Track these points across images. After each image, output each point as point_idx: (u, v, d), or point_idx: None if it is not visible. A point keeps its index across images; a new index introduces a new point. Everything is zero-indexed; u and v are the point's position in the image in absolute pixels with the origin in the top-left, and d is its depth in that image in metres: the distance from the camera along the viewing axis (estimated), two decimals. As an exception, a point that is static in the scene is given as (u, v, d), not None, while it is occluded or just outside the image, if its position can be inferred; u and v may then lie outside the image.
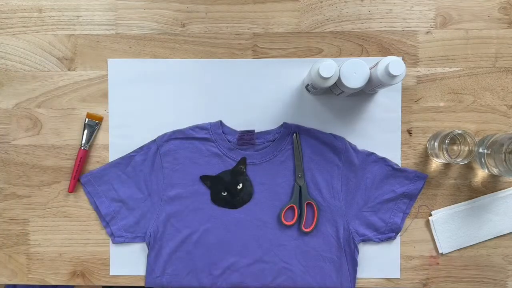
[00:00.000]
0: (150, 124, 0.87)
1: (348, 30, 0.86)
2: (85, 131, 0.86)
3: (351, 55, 0.86)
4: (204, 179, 0.85)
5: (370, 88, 0.79)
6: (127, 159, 0.86)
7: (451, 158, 0.79)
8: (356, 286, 0.85)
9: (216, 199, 0.85)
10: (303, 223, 0.85)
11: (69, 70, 0.87)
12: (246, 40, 0.87)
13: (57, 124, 0.87)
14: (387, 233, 0.85)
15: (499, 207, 0.85)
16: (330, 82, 0.74)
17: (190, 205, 0.85)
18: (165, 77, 0.87)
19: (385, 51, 0.86)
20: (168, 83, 0.87)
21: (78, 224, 0.88)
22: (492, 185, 0.86)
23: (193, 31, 0.87)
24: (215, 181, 0.85)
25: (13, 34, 0.88)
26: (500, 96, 0.86)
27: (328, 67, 0.71)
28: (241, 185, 0.84)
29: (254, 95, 0.86)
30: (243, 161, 0.84)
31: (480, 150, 0.80)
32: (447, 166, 0.86)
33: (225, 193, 0.85)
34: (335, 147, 0.85)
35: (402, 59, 0.85)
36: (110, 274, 0.87)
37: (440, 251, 0.86)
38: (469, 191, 0.86)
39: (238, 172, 0.85)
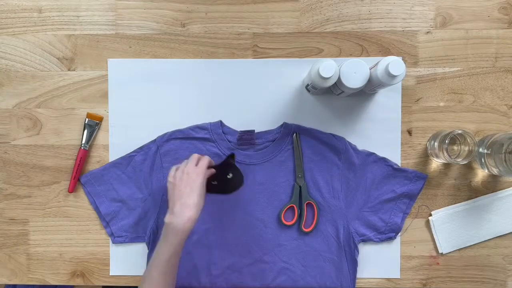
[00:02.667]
0: (150, 124, 0.87)
1: (348, 30, 0.86)
2: (85, 131, 0.86)
3: (351, 55, 0.86)
4: None
5: (370, 88, 0.79)
6: (127, 159, 0.86)
7: (451, 158, 0.79)
8: (356, 286, 0.85)
9: (207, 187, 0.84)
10: (303, 223, 0.85)
11: (69, 70, 0.87)
12: (246, 40, 0.87)
13: (57, 124, 0.87)
14: (387, 233, 0.85)
15: (499, 207, 0.85)
16: (330, 82, 0.74)
17: (190, 205, 0.85)
18: (165, 77, 0.87)
19: (385, 51, 0.86)
20: (168, 83, 0.87)
21: (78, 224, 0.88)
22: (492, 185, 0.86)
23: (193, 31, 0.87)
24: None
25: (13, 34, 0.88)
26: (500, 96, 0.86)
27: (328, 67, 0.71)
28: (230, 174, 0.81)
29: (254, 95, 0.86)
30: (231, 156, 0.82)
31: (480, 150, 0.80)
32: (447, 166, 0.86)
33: (215, 182, 0.82)
34: (335, 147, 0.85)
35: (402, 59, 0.85)
36: (110, 274, 0.87)
37: (440, 251, 0.86)
38: (469, 191, 0.86)
39: (228, 165, 0.82)
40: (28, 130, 0.88)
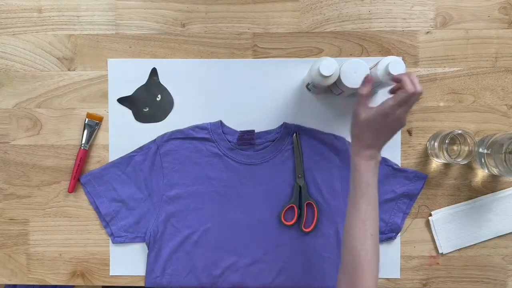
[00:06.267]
0: (150, 124, 0.87)
1: (348, 30, 0.86)
2: (85, 131, 0.86)
3: (351, 55, 0.86)
4: (121, 100, 0.86)
5: None
6: (127, 159, 0.86)
7: (451, 158, 0.79)
8: (356, 286, 0.85)
9: (139, 117, 0.85)
10: (303, 223, 0.85)
11: (69, 70, 0.87)
12: (246, 40, 0.87)
13: (57, 124, 0.87)
14: (387, 233, 0.85)
15: (499, 207, 0.85)
16: (331, 81, 0.74)
17: (190, 205, 0.85)
18: (165, 77, 0.87)
19: (385, 51, 0.86)
20: (168, 83, 0.87)
21: (78, 224, 0.88)
22: (492, 185, 0.86)
23: (193, 31, 0.87)
24: (133, 100, 0.85)
25: (13, 34, 0.88)
26: (500, 96, 0.86)
27: (328, 66, 0.71)
28: (159, 96, 0.81)
29: (254, 95, 0.86)
30: (153, 72, 0.82)
31: (480, 150, 0.80)
32: (447, 166, 0.86)
33: (147, 109, 0.82)
34: (335, 147, 0.85)
35: (402, 59, 0.85)
36: (110, 274, 0.87)
37: (440, 251, 0.86)
38: (469, 191, 0.86)
39: (152, 85, 0.83)
40: (28, 130, 0.88)
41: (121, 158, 0.86)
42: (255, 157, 0.86)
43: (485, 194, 0.86)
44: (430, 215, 0.86)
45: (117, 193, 0.86)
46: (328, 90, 0.84)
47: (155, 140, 0.86)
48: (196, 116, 0.87)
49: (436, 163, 0.86)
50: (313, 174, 0.85)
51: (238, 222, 0.85)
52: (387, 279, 0.86)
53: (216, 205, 0.85)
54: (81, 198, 0.88)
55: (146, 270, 0.86)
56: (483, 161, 0.80)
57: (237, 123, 0.86)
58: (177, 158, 0.86)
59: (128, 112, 0.87)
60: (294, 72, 0.86)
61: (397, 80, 0.68)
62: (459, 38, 0.86)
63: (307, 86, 0.84)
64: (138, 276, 0.87)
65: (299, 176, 0.85)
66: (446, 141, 0.79)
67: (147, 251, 0.86)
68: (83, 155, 0.86)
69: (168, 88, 0.86)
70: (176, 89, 0.87)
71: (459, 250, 0.86)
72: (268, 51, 0.87)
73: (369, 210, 0.68)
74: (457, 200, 0.86)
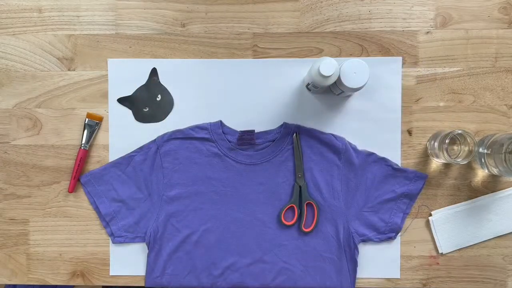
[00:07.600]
0: (150, 124, 0.87)
1: (348, 30, 0.86)
2: (85, 131, 0.86)
3: (351, 55, 0.86)
4: (121, 100, 0.86)
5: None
6: (127, 159, 0.86)
7: (451, 158, 0.79)
8: (356, 286, 0.85)
9: (139, 117, 0.85)
10: (303, 223, 0.85)
11: (69, 70, 0.87)
12: (246, 40, 0.87)
13: (57, 124, 0.87)
14: (387, 233, 0.85)
15: (499, 207, 0.85)
16: (331, 81, 0.74)
17: (190, 205, 0.85)
18: (165, 77, 0.87)
19: (385, 51, 0.86)
20: (168, 83, 0.87)
21: (78, 224, 0.88)
22: (492, 185, 0.86)
23: (193, 31, 0.87)
24: (133, 100, 0.85)
25: (13, 34, 0.88)
26: (500, 96, 0.86)
27: (328, 66, 0.71)
28: (159, 96, 0.82)
29: (254, 95, 0.86)
30: (153, 72, 0.83)
31: (480, 150, 0.80)
32: (447, 166, 0.86)
33: (147, 109, 0.83)
34: (335, 147, 0.85)
35: (402, 59, 0.85)
36: (110, 274, 0.87)
37: (440, 251, 0.86)
38: (469, 191, 0.86)
39: (152, 85, 0.83)
40: (28, 130, 0.88)
41: (121, 158, 0.86)
42: (255, 157, 0.86)
43: (485, 194, 0.86)
44: (430, 215, 0.86)
45: (117, 193, 0.86)
46: (328, 90, 0.84)
47: (155, 140, 0.86)
48: (196, 116, 0.87)
49: (436, 163, 0.86)
50: (313, 174, 0.85)
51: (238, 222, 0.85)
52: (387, 279, 0.86)
53: (216, 205, 0.86)
54: (81, 198, 0.88)
55: (146, 270, 0.86)
56: (483, 161, 0.80)
57: (237, 123, 0.86)
58: (177, 158, 0.86)
59: (128, 112, 0.87)
60: (294, 72, 0.86)
61: None
62: (459, 38, 0.86)
63: (307, 86, 0.84)
64: (138, 276, 0.87)
65: (299, 176, 0.85)
66: (446, 141, 0.79)
67: (147, 251, 0.86)
68: (83, 155, 0.86)
69: (168, 88, 0.87)
70: (176, 89, 0.87)
71: (459, 250, 0.86)
72: (268, 51, 0.87)
73: None
74: (457, 200, 0.86)
